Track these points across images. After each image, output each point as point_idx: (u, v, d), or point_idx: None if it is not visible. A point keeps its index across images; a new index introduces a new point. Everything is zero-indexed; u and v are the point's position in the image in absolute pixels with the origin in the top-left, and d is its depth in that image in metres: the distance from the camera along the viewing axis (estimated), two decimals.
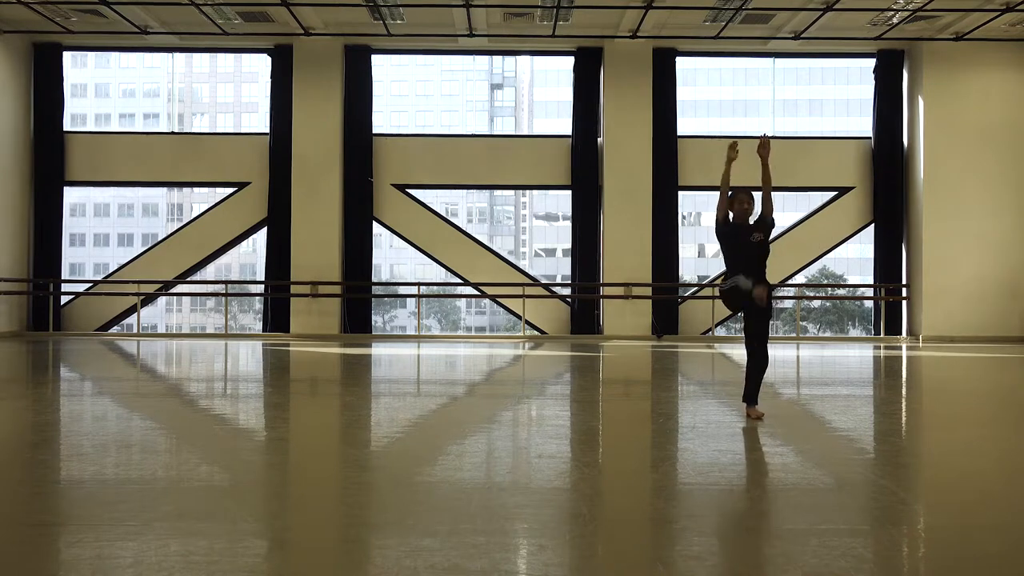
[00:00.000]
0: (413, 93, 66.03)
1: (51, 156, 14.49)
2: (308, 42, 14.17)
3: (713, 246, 57.29)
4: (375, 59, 14.80)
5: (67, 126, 14.92)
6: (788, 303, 29.92)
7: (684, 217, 52.72)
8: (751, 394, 5.21)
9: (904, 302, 14.45)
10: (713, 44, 14.34)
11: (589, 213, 14.64)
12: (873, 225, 14.67)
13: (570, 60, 14.98)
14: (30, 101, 14.47)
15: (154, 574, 2.32)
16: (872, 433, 5.22)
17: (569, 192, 14.92)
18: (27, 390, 7.14)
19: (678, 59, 14.72)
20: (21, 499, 3.29)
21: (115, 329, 15.17)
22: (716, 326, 14.64)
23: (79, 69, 57.97)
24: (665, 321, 14.32)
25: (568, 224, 15.60)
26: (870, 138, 14.77)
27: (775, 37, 13.91)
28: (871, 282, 14.98)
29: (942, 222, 13.94)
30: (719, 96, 57.73)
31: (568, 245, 15.16)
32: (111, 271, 16.06)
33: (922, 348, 12.73)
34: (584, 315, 14.50)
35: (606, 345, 12.69)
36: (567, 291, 15.44)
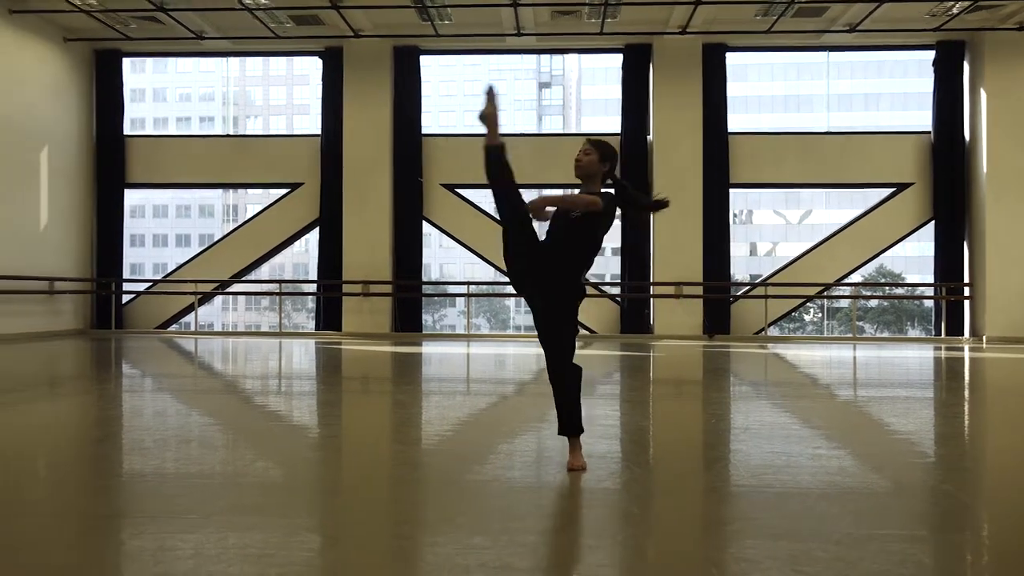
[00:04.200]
0: (461, 93, 66.33)
1: (112, 160, 14.96)
2: (358, 44, 14.36)
3: (766, 245, 56.33)
4: (423, 60, 14.92)
5: (127, 130, 15.42)
6: (844, 302, 29.23)
7: (735, 215, 51.97)
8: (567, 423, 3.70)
9: (966, 301, 14.00)
10: (765, 39, 14.10)
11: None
12: (933, 222, 14.25)
13: (618, 57, 14.88)
14: (92, 106, 14.97)
15: (213, 566, 2.37)
16: (933, 436, 5.06)
17: None
18: (92, 386, 7.38)
19: (728, 54, 14.52)
20: (88, 492, 3.41)
21: (173, 327, 15.60)
22: (769, 326, 14.39)
23: (138, 75, 59.75)
24: (716, 320, 14.13)
25: (617, 222, 15.50)
26: (930, 132, 14.35)
27: (829, 30, 13.61)
28: (931, 281, 14.55)
29: (1006, 218, 13.47)
30: (771, 92, 56.69)
31: (617, 244, 15.06)
32: (170, 271, 16.51)
33: (985, 349, 12.31)
34: (634, 314, 14.40)
35: (656, 345, 12.58)
36: (616, 290, 15.35)
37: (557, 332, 3.69)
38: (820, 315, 34.20)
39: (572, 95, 66.35)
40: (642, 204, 3.87)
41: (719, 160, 14.31)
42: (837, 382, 8.33)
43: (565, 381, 3.67)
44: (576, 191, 3.83)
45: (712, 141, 14.30)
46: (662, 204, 3.80)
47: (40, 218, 13.64)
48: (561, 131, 60.43)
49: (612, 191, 3.77)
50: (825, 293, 15.38)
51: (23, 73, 13.16)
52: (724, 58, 14.45)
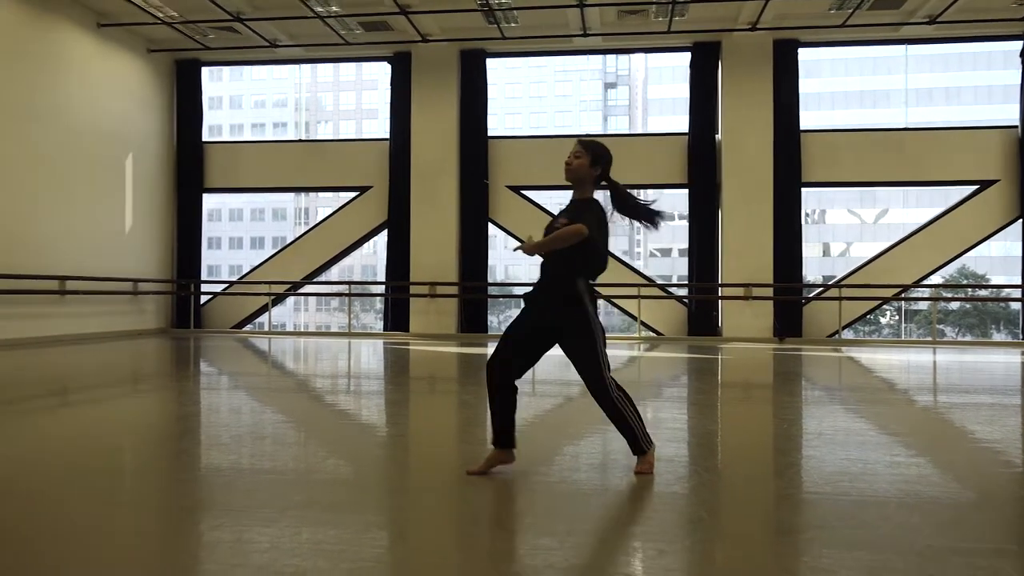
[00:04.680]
0: (527, 95, 66.51)
1: (192, 165, 15.54)
2: (425, 48, 14.55)
3: (839, 245, 54.67)
4: (490, 62, 15.02)
5: (205, 137, 15.97)
6: (923, 305, 28.13)
7: (808, 215, 50.67)
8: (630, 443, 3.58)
9: None
10: (839, 33, 13.71)
11: (707, 212, 14.31)
12: (1021, 221, 13.61)
13: (686, 56, 14.69)
14: (173, 114, 15.57)
15: (288, 559, 2.44)
16: (1021, 445, 4.83)
17: (686, 191, 14.63)
18: (172, 383, 7.68)
19: (800, 50, 14.16)
20: (168, 485, 3.54)
21: (248, 327, 16.09)
22: (843, 329, 13.97)
23: (215, 83, 61.84)
24: (788, 323, 13.80)
25: (684, 223, 15.30)
26: (1016, 127, 13.70)
27: (908, 22, 13.15)
28: (1018, 282, 13.89)
29: None
30: (845, 87, 55.01)
31: (684, 245, 14.86)
32: (244, 272, 17.03)
33: None
34: (702, 316, 14.18)
35: (725, 347, 12.36)
36: (684, 292, 15.15)
37: (575, 350, 3.55)
38: (897, 318, 33.03)
39: (638, 95, 65.76)
40: (631, 212, 3.66)
41: (791, 158, 13.98)
42: (916, 387, 8.03)
43: (609, 396, 3.50)
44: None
45: (783, 139, 13.97)
46: (654, 216, 3.64)
47: (125, 222, 14.26)
48: (627, 131, 59.95)
49: (597, 197, 3.66)
50: (903, 295, 14.84)
51: (110, 83, 13.78)
52: (796, 54, 14.11)
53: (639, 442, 3.52)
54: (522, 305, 3.70)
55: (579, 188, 3.63)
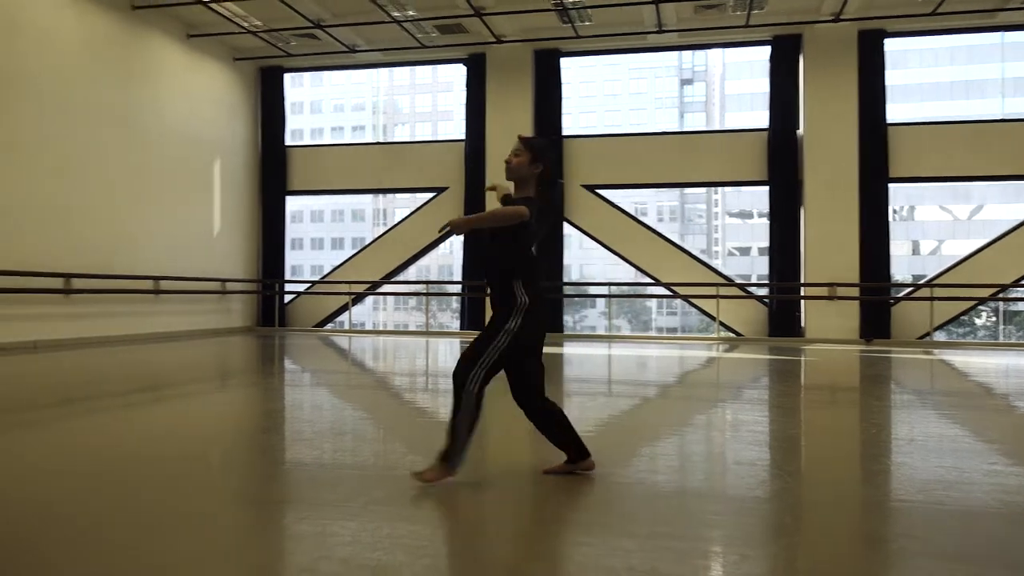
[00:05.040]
0: (601, 93, 66.10)
1: (275, 169, 16.05)
2: (500, 49, 14.63)
3: (930, 243, 52.31)
4: (564, 61, 14.99)
5: (287, 141, 16.48)
6: (1023, 305, 26.71)
7: (895, 211, 48.65)
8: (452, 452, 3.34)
9: None
10: (929, 22, 13.13)
11: (788, 209, 13.94)
12: None
13: (766, 50, 14.35)
14: (257, 120, 16.13)
15: (369, 552, 2.49)
16: None
17: (766, 188, 14.28)
18: (258, 379, 7.95)
19: (887, 40, 13.63)
20: (255, 479, 3.67)
21: (329, 325, 16.51)
22: (935, 330, 13.37)
23: (296, 88, 63.76)
24: (875, 324, 13.30)
25: (764, 221, 14.95)
26: None
27: (1004, 8, 12.49)
28: None
29: None
30: (935, 78, 52.61)
31: (764, 243, 14.52)
32: (326, 273, 17.49)
33: None
34: (783, 317, 13.82)
35: (808, 349, 12.01)
36: (764, 291, 14.79)
37: (481, 334, 3.41)
38: (995, 319, 31.40)
39: (715, 91, 64.50)
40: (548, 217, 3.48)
41: (877, 153, 13.47)
42: (1016, 392, 7.62)
43: (463, 390, 3.31)
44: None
45: (869, 133, 13.48)
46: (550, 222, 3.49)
47: (213, 224, 14.85)
48: (704, 128, 58.89)
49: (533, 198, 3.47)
50: (1001, 295, 14.11)
51: (199, 91, 14.37)
52: (882, 44, 13.59)
53: (454, 454, 3.30)
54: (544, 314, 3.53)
55: (520, 187, 3.49)
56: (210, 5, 12.66)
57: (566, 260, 15.50)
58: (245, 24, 13.51)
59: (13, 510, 3.03)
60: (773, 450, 4.45)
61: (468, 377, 3.29)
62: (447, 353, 11.35)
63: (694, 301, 14.98)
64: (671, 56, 62.83)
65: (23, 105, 10.70)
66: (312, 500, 3.19)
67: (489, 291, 3.43)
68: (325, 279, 17.17)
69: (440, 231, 3.29)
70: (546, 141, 3.54)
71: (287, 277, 17.05)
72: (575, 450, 3.48)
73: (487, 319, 3.42)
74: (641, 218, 17.68)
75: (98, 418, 5.46)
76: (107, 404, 6.14)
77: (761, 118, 14.66)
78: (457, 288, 17.06)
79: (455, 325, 20.49)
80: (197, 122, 14.31)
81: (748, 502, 3.22)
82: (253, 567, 2.45)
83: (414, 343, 13.39)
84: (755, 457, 4.08)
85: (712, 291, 14.09)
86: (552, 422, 3.44)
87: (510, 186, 3.55)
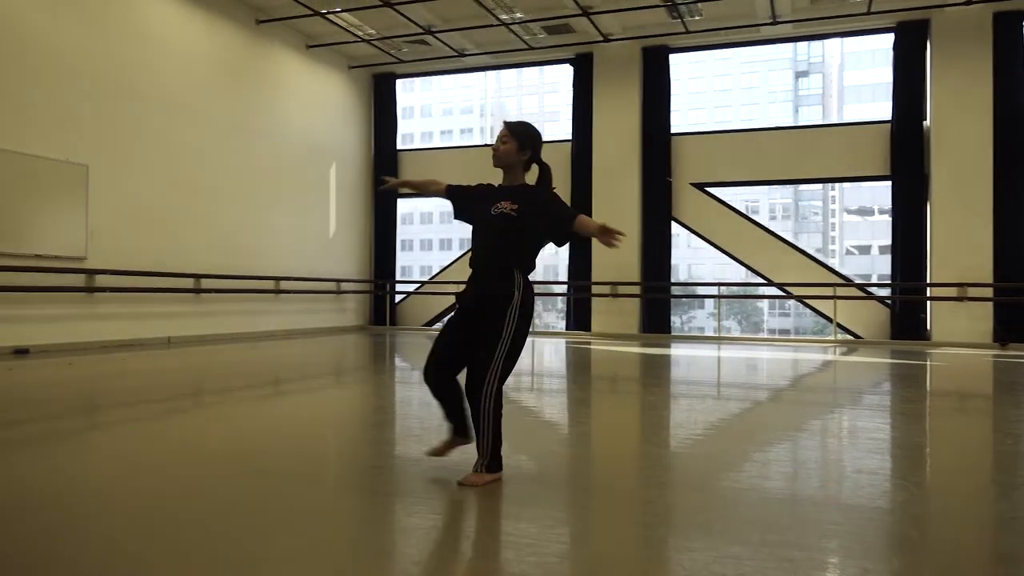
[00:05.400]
0: (711, 89, 64.61)
1: (388, 172, 16.50)
2: (607, 48, 14.54)
3: None
4: (672, 58, 14.74)
5: (399, 145, 16.95)
6: None
7: None
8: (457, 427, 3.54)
9: None
10: None
11: (912, 205, 13.19)
12: None
13: (888, 37, 13.62)
14: (371, 125, 16.68)
15: (477, 549, 2.53)
16: None
17: (887, 183, 13.57)
18: (370, 376, 8.22)
19: None
20: (369, 472, 3.79)
21: (437, 325, 16.87)
22: None
23: (407, 93, 65.45)
24: (1011, 327, 12.40)
25: (886, 218, 14.20)
26: None
27: None
28: None
29: None
30: None
31: (886, 241, 13.79)
32: (434, 273, 17.89)
33: None
34: (907, 318, 13.10)
35: (934, 352, 11.33)
36: (886, 291, 14.06)
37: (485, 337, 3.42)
38: None
39: (833, 82, 61.83)
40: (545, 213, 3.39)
41: (1015, 144, 12.55)
42: None
43: (481, 398, 3.36)
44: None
45: (1006, 124, 12.58)
46: (563, 227, 3.34)
47: (330, 226, 15.46)
48: (821, 122, 56.51)
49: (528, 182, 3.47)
50: None
51: (316, 99, 15.01)
52: (1021, 27, 12.65)
53: (494, 458, 3.33)
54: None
55: (510, 174, 3.46)
56: (328, 16, 13.19)
57: (673, 260, 15.22)
58: (359, 33, 14.01)
59: (170, 487, 3.25)
60: (896, 459, 4.22)
61: (483, 393, 3.30)
62: (552, 353, 11.38)
63: (809, 302, 14.41)
64: (785, 48, 60.69)
65: (156, 117, 11.48)
66: (421, 494, 3.27)
67: (477, 279, 3.37)
68: (433, 279, 17.56)
69: (381, 187, 3.59)
70: (530, 125, 3.50)
71: (397, 277, 17.54)
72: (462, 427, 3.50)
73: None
74: (752, 216, 17.17)
75: (225, 410, 5.80)
76: (234, 397, 6.50)
77: (883, 110, 13.94)
78: (562, 288, 17.05)
79: (560, 325, 20.50)
80: (315, 129, 14.95)
81: (869, 512, 3.07)
82: (371, 554, 2.54)
83: None
84: (876, 466, 3.89)
85: (829, 291, 13.51)
86: (458, 395, 3.47)
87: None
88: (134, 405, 5.96)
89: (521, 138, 3.42)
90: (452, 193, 3.61)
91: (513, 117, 70.58)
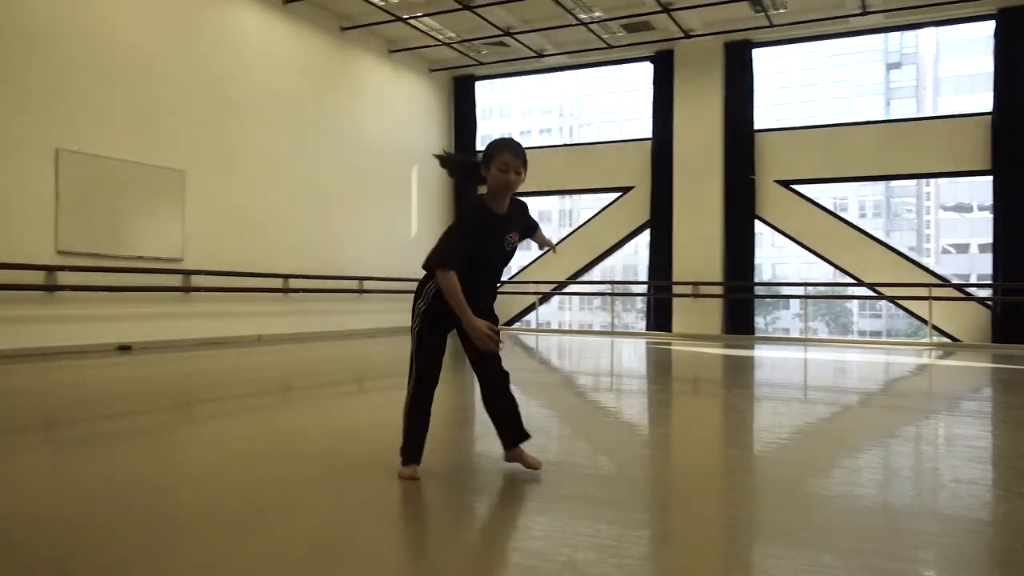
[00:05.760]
0: (796, 84, 62.73)
1: None
2: (688, 44, 14.32)
3: None
4: (755, 53, 14.40)
5: (478, 146, 17.10)
6: None
7: None
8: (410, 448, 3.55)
9: None
10: None
11: (1016, 201, 12.51)
12: None
13: (989, 25, 12.95)
14: (451, 127, 16.90)
15: (559, 548, 2.54)
16: None
17: (988, 178, 12.91)
18: (450, 376, 8.32)
19: None
20: (451, 469, 3.85)
21: (517, 324, 16.95)
22: None
23: (487, 95, 65.90)
24: None
25: (986, 215, 13.50)
26: None
27: None
28: None
29: None
30: None
31: (986, 239, 13.10)
32: (513, 273, 17.97)
33: None
34: (1011, 321, 12.43)
35: None
36: (987, 292, 13.37)
37: None
38: None
39: (927, 74, 59.09)
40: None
41: None
42: None
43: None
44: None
45: None
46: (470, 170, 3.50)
47: (411, 227, 15.74)
48: (914, 115, 54.12)
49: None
50: None
51: (398, 102, 15.32)
52: None
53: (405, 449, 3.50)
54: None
55: (501, 202, 3.40)
56: (409, 21, 13.44)
57: (757, 259, 14.85)
58: (440, 37, 14.22)
59: (255, 480, 3.39)
60: (999, 468, 4.01)
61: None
62: (631, 354, 11.28)
63: (902, 303, 13.83)
64: (876, 39, 58.27)
65: (245, 123, 11.94)
66: (504, 493, 3.30)
67: (477, 299, 3.42)
68: (513, 279, 17.65)
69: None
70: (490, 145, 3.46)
71: None
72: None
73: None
74: (841, 214, 16.60)
75: (316, 404, 5.98)
76: (322, 392, 6.70)
77: (983, 101, 13.26)
78: (642, 288, 16.88)
79: (640, 326, 20.30)
80: (397, 131, 15.25)
81: (968, 523, 2.93)
82: (461, 549, 2.59)
83: (599, 343, 13.42)
84: (976, 475, 3.71)
85: (924, 292, 12.94)
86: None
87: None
88: (255, 396, 6.22)
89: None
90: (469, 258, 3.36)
91: (592, 116, 69.55)
